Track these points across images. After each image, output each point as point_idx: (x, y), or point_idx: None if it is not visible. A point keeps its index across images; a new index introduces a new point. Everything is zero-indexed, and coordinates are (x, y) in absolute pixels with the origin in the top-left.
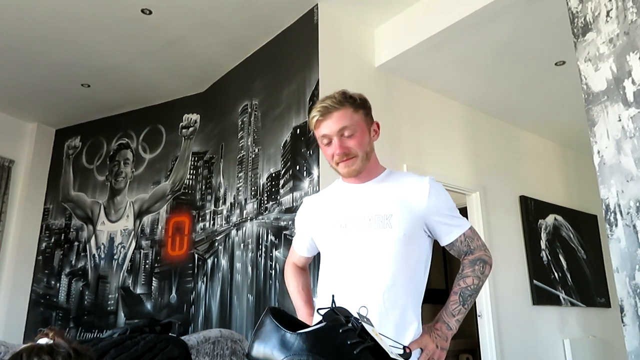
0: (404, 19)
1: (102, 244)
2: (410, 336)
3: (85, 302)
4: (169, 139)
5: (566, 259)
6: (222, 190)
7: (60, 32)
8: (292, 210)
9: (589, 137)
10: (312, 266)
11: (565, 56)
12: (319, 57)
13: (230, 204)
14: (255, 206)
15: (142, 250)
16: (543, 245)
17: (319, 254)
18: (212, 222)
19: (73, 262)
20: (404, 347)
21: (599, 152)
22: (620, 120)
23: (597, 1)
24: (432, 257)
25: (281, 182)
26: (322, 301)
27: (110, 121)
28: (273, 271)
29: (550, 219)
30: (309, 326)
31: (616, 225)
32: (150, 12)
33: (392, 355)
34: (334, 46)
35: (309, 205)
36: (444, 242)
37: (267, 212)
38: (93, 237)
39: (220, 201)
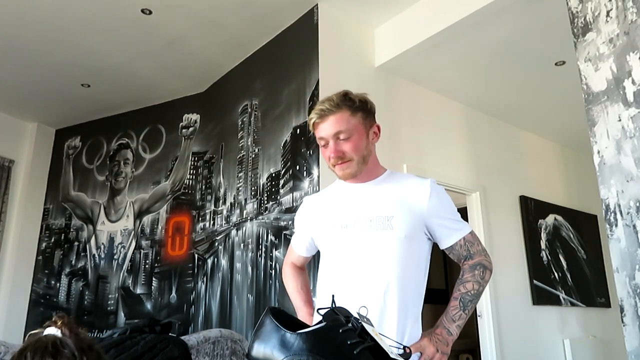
0: (404, 19)
1: (102, 244)
2: (411, 336)
3: (85, 302)
4: (169, 139)
5: (566, 259)
6: (222, 190)
7: (60, 32)
8: (292, 210)
9: (589, 137)
10: (311, 265)
11: (565, 56)
12: (319, 57)
13: (230, 204)
14: (255, 206)
15: (142, 250)
16: (543, 245)
17: (318, 253)
18: (212, 222)
19: (73, 262)
20: (404, 347)
21: (599, 152)
22: (620, 120)
23: (597, 1)
24: (432, 258)
25: (281, 182)
26: (322, 301)
27: (110, 121)
28: (273, 271)
29: (550, 219)
30: (309, 326)
31: (616, 225)
32: (150, 12)
33: (392, 355)
34: (334, 46)
35: (309, 205)
36: (443, 245)
37: (267, 212)
38: (93, 237)
39: (220, 201)
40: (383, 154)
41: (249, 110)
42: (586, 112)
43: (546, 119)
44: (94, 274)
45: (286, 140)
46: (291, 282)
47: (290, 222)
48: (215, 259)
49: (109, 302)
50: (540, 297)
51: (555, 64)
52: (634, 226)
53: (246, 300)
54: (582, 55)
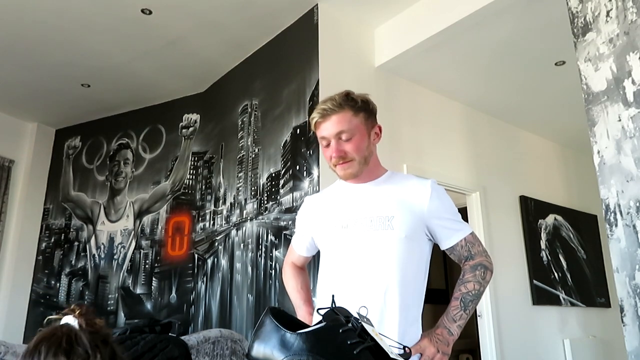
0: (404, 19)
1: (102, 243)
2: (411, 337)
3: (85, 302)
4: (169, 139)
5: (566, 259)
6: (222, 190)
7: (60, 32)
8: (292, 210)
9: (589, 137)
10: (311, 265)
11: (565, 56)
12: (319, 57)
13: (230, 204)
14: (255, 206)
15: (142, 250)
16: (543, 245)
17: (318, 253)
18: (212, 222)
19: (73, 262)
20: (404, 347)
21: (599, 152)
22: (620, 120)
23: (597, 1)
24: (432, 258)
25: (281, 182)
26: (322, 301)
27: (110, 121)
28: (273, 271)
29: (550, 219)
30: (308, 326)
31: (616, 225)
32: (150, 12)
33: (392, 355)
34: (334, 46)
35: (310, 205)
36: (444, 246)
37: (267, 212)
38: (93, 237)
39: (220, 201)
40: (383, 154)
41: (249, 110)
42: (586, 112)
43: (546, 119)
44: (94, 274)
45: (286, 140)
46: (291, 282)
47: (290, 222)
48: (215, 259)
49: (109, 302)
50: (540, 297)
51: (555, 64)
52: (634, 226)
53: (246, 300)
54: (582, 55)
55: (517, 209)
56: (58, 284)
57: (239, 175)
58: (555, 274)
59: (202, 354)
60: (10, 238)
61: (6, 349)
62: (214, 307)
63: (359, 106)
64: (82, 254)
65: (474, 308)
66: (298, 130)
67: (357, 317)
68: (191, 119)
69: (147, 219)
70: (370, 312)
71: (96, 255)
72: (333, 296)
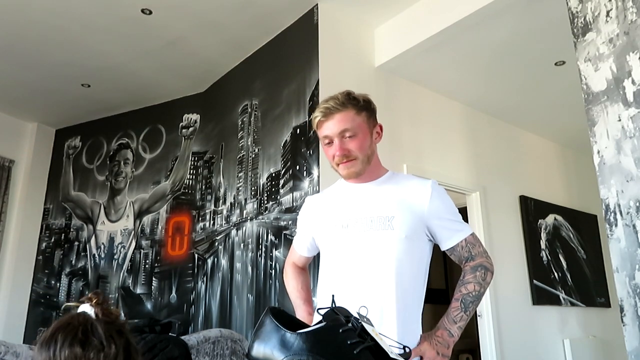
0: (404, 19)
1: (102, 243)
2: (411, 337)
3: None
4: (169, 139)
5: (566, 259)
6: (222, 190)
7: (60, 32)
8: (292, 210)
9: (589, 137)
10: (312, 265)
11: (565, 56)
12: (319, 57)
13: (230, 203)
14: (255, 206)
15: (142, 250)
16: (543, 245)
17: (318, 254)
18: (212, 222)
19: (73, 262)
20: (404, 347)
21: (599, 152)
22: (620, 120)
23: (597, 1)
24: (432, 258)
25: (281, 182)
26: (322, 301)
27: (110, 121)
28: (273, 271)
29: (550, 219)
30: (308, 326)
31: (616, 225)
32: (150, 12)
33: (392, 355)
34: (334, 46)
35: (311, 205)
36: (444, 247)
37: (267, 212)
38: (93, 237)
39: (220, 201)
40: (383, 154)
41: (249, 110)
42: (586, 112)
43: (546, 119)
44: (94, 273)
45: (286, 140)
46: (291, 282)
47: (290, 222)
48: (215, 259)
49: (109, 302)
50: (540, 297)
51: (555, 64)
52: (634, 226)
53: (246, 300)
54: (582, 55)
55: (517, 209)
56: (58, 284)
57: (239, 175)
58: (555, 274)
59: (202, 354)
60: (10, 238)
61: (6, 349)
62: (214, 307)
63: (362, 105)
64: (82, 253)
65: (474, 309)
66: (298, 130)
67: (357, 317)
68: (191, 119)
69: (147, 219)
70: (370, 312)
71: (96, 255)
72: (333, 296)
